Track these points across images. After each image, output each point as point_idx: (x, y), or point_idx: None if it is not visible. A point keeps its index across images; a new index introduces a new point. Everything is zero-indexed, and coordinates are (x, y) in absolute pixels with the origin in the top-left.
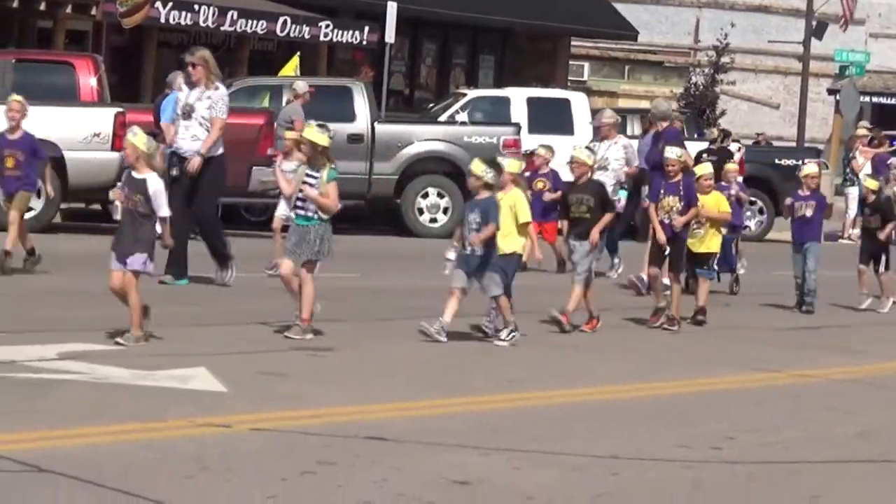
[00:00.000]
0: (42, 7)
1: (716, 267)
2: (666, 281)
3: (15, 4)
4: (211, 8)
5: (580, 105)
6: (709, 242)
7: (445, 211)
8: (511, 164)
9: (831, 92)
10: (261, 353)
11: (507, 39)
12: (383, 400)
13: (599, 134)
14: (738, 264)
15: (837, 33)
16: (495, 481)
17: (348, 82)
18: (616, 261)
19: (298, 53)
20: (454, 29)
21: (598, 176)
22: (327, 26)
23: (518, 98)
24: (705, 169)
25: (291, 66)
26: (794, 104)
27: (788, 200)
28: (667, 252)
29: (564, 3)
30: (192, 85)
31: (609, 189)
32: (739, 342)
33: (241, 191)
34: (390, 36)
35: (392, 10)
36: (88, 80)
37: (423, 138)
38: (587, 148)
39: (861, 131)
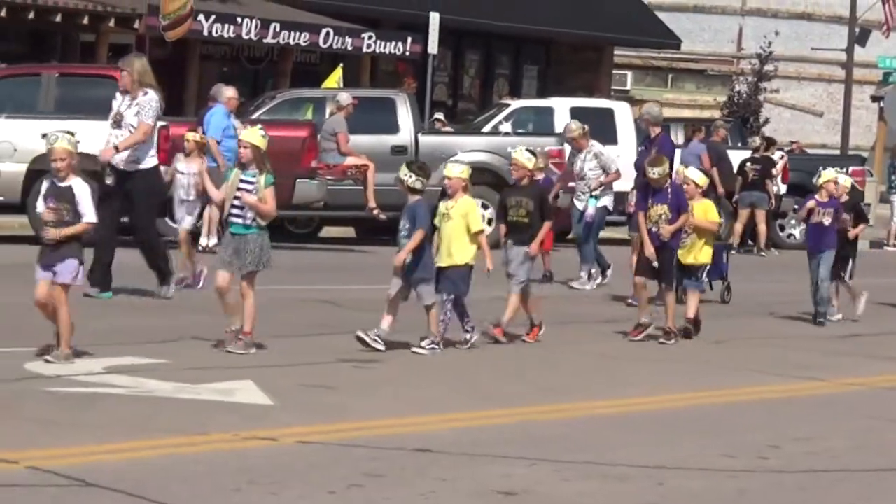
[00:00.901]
0: (85, 21)
1: (705, 278)
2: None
3: (58, 19)
4: (254, 20)
5: (624, 114)
6: (697, 253)
7: (490, 222)
8: (461, 171)
9: (875, 99)
10: (305, 366)
11: (550, 49)
12: (428, 411)
13: (573, 147)
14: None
15: (881, 40)
16: (541, 492)
17: (391, 93)
18: (593, 271)
19: (341, 65)
20: (497, 39)
21: (578, 185)
22: (370, 38)
23: (561, 108)
24: (690, 173)
25: (334, 78)
26: (837, 112)
27: (811, 203)
28: (655, 263)
29: (607, 13)
30: (124, 93)
31: (583, 198)
32: (780, 351)
33: (286, 203)
34: (433, 47)
35: (435, 20)
36: None
37: (466, 149)
38: (528, 150)
39: None
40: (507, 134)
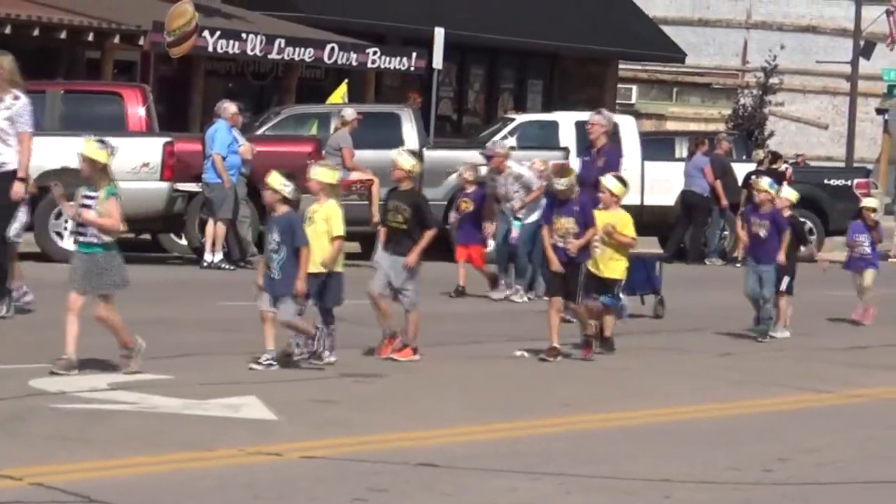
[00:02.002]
0: (90, 38)
1: (622, 295)
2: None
3: (63, 36)
4: (259, 36)
5: (629, 128)
6: (612, 267)
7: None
8: (325, 174)
9: (880, 111)
10: (310, 381)
11: (555, 63)
12: (433, 425)
13: (492, 169)
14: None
15: (886, 52)
16: None
17: (396, 109)
18: (519, 287)
19: (346, 80)
20: (501, 54)
21: (503, 207)
22: (375, 53)
23: (566, 122)
24: (607, 182)
25: (339, 94)
26: (842, 124)
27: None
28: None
29: (611, 27)
30: None
31: (513, 226)
32: (786, 362)
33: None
34: (438, 62)
35: (439, 35)
36: (137, 110)
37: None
38: (410, 152)
39: None
40: (512, 148)
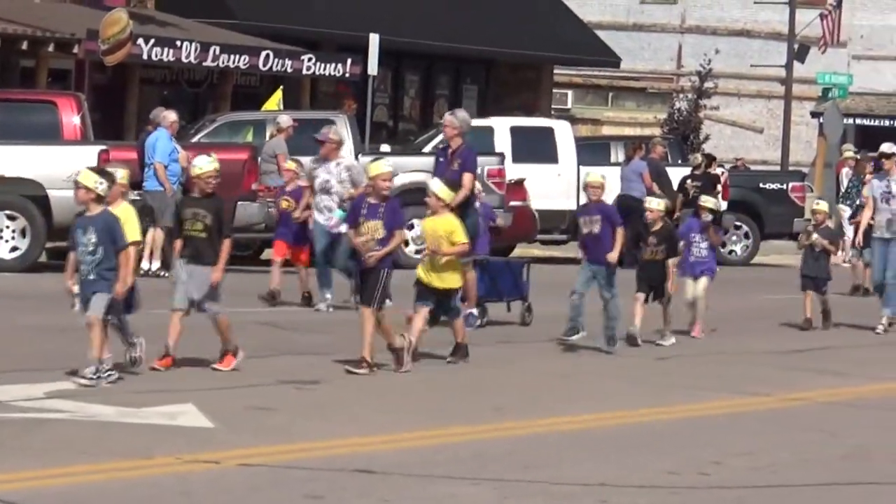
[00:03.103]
0: (24, 46)
1: (460, 304)
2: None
3: None
4: (193, 44)
5: (564, 133)
6: (447, 278)
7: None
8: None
9: (815, 115)
10: (248, 388)
11: (490, 69)
12: (371, 432)
13: (321, 151)
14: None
15: (820, 56)
16: None
17: (332, 115)
18: (328, 296)
19: (281, 87)
20: (437, 60)
21: (322, 200)
22: (310, 59)
23: (502, 127)
24: (433, 186)
25: (274, 100)
26: (777, 128)
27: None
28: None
29: (546, 32)
30: None
31: (333, 215)
32: (725, 367)
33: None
34: (373, 68)
35: (374, 42)
36: (71, 119)
37: (407, 170)
38: (207, 155)
39: (848, 154)
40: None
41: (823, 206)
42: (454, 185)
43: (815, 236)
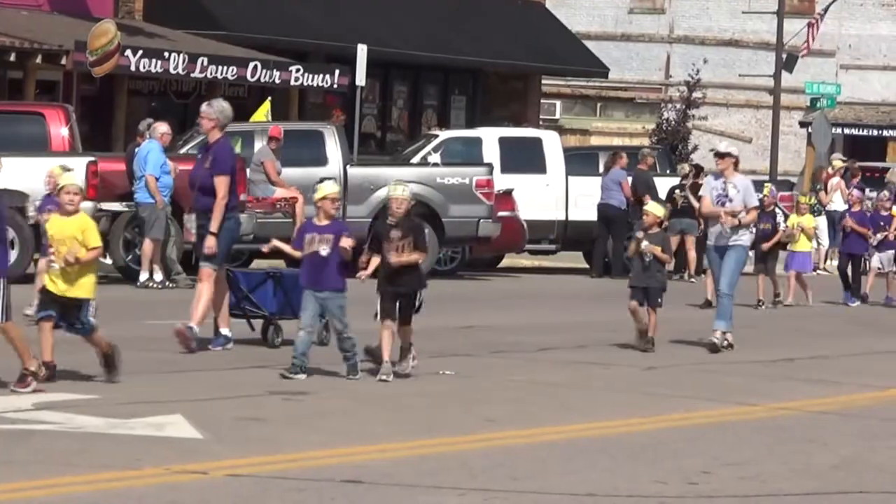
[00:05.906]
0: (12, 58)
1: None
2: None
3: None
4: (181, 55)
5: (552, 143)
6: (80, 284)
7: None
8: (659, 209)
9: (803, 125)
10: (237, 399)
11: (478, 79)
12: (360, 442)
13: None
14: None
15: (808, 66)
16: None
17: (320, 126)
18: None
19: (269, 98)
20: (425, 70)
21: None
22: (298, 70)
23: (490, 138)
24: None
25: (263, 111)
26: (766, 137)
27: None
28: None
29: (535, 43)
30: None
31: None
32: (712, 376)
33: None
34: (361, 79)
35: (362, 52)
36: (59, 130)
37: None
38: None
39: (837, 163)
40: (435, 165)
41: (654, 207)
42: (209, 190)
43: (644, 243)
